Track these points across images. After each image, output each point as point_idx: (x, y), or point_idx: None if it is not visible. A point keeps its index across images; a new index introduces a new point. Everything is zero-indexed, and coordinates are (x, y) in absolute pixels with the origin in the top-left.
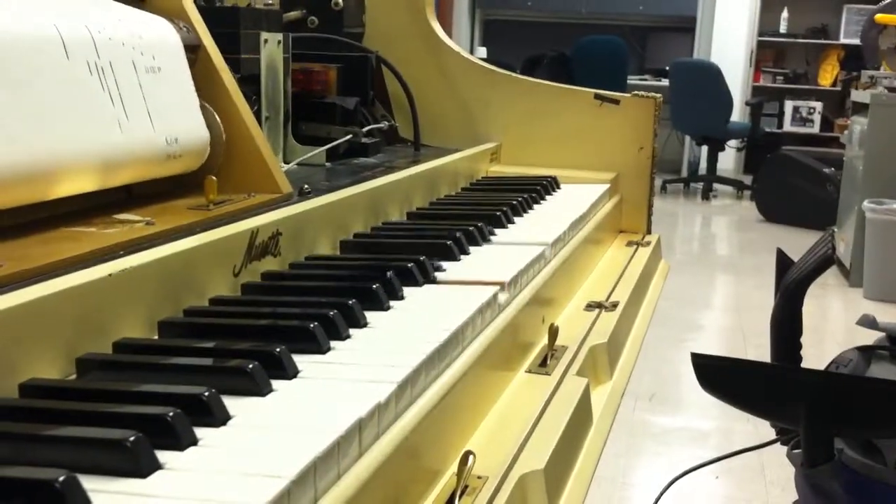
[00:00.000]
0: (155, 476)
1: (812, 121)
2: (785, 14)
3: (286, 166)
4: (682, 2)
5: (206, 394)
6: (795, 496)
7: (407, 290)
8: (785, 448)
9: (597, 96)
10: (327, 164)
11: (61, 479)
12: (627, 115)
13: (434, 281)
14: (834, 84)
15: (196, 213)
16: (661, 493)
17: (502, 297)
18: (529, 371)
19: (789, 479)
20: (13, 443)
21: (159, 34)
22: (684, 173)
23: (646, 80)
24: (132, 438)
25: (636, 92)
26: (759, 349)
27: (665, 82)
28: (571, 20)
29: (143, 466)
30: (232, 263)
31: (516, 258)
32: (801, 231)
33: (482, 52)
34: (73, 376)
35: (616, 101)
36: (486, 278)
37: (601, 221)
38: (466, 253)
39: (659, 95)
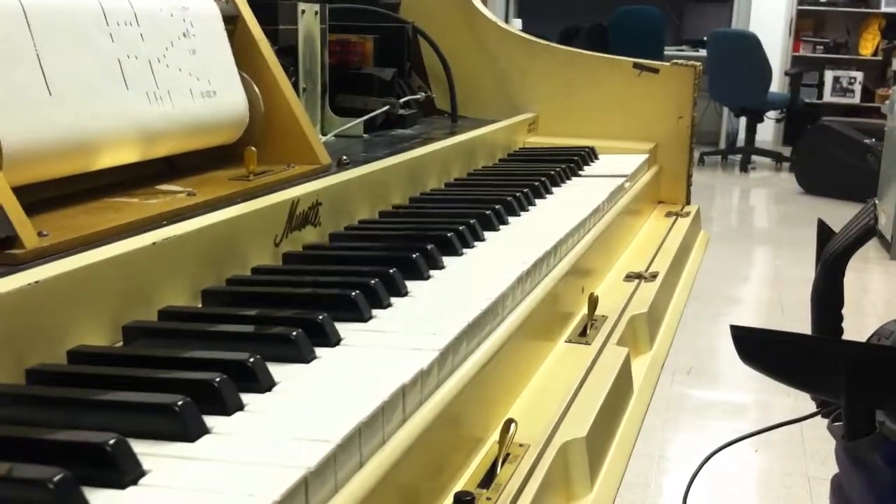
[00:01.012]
0: (203, 440)
1: (853, 91)
2: None
3: (324, 138)
4: None
5: (252, 360)
6: (836, 469)
7: (447, 260)
8: (825, 421)
9: (636, 65)
10: (365, 135)
11: (112, 441)
12: (666, 84)
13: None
14: (875, 53)
15: (237, 184)
16: (700, 467)
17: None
18: (570, 341)
19: (830, 452)
20: (63, 408)
21: (198, 5)
22: (722, 145)
23: (683, 50)
24: (180, 403)
25: (675, 61)
26: (797, 323)
27: (703, 53)
28: None
29: (191, 430)
30: (273, 233)
31: (555, 228)
32: (841, 203)
33: (518, 23)
34: (120, 343)
35: (655, 70)
36: (525, 249)
37: (640, 192)
38: (506, 223)
39: (699, 64)
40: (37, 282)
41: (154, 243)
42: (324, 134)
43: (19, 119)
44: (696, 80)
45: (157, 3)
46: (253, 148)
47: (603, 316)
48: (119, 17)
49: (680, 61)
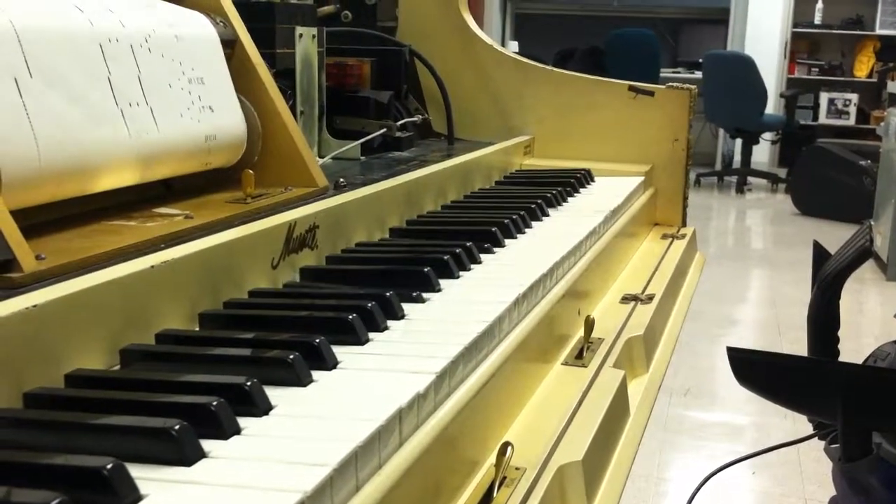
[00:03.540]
0: (200, 464)
1: (848, 113)
2: (819, 5)
3: (321, 160)
4: None
5: (249, 383)
6: (833, 491)
7: (444, 283)
8: (822, 443)
9: (631, 88)
10: (362, 157)
11: (109, 466)
12: (662, 106)
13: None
14: (870, 75)
15: (234, 207)
16: (698, 489)
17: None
18: (566, 363)
19: (827, 474)
20: (61, 432)
21: (197, 29)
22: (718, 167)
23: (679, 72)
24: (178, 427)
25: (671, 83)
26: (794, 344)
27: (698, 75)
28: (603, 13)
29: (188, 454)
30: (270, 256)
31: (552, 250)
32: (836, 224)
33: (514, 45)
34: (117, 367)
35: (651, 93)
36: (521, 272)
37: (636, 214)
38: (502, 246)
39: (694, 87)
40: (35, 305)
41: (152, 266)
42: (321, 156)
43: (17, 143)
44: (692, 103)
45: (155, 25)
46: (250, 171)
47: (599, 338)
48: (116, 40)
49: (675, 84)
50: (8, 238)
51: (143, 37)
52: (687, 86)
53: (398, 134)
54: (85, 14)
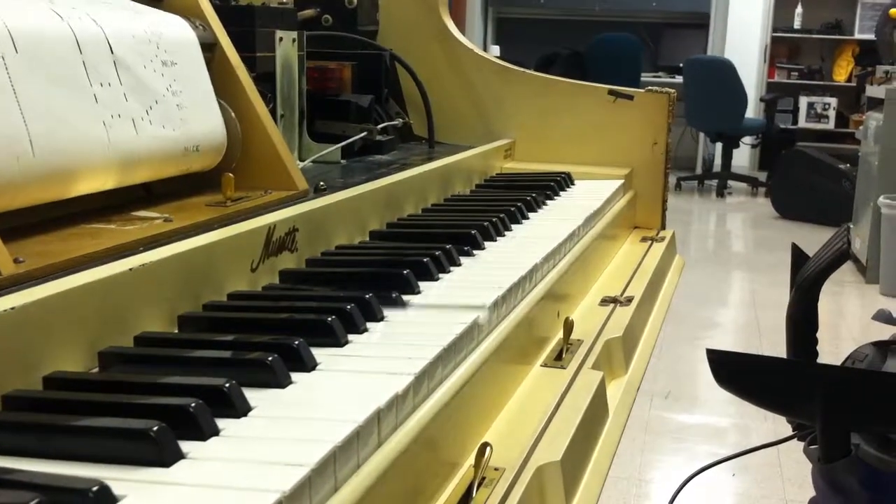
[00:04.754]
0: (178, 465)
1: (827, 117)
2: (799, 9)
3: (302, 164)
4: None
5: (228, 385)
6: (813, 492)
7: (423, 285)
8: (802, 444)
9: (611, 92)
10: (342, 161)
11: (95, 489)
12: (641, 110)
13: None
14: (849, 80)
15: (214, 210)
16: (678, 491)
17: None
18: (545, 365)
19: (806, 475)
20: (39, 434)
21: (176, 33)
22: (699, 170)
23: (660, 77)
24: (156, 428)
25: (650, 87)
26: (774, 346)
27: (679, 79)
28: (585, 18)
29: (166, 456)
30: (250, 259)
31: (531, 253)
32: (816, 228)
33: (495, 50)
34: (96, 369)
35: (630, 97)
36: (500, 274)
37: (615, 217)
38: (482, 248)
39: (673, 91)
40: (13, 308)
41: (131, 269)
42: (301, 160)
43: (6, 146)
44: (671, 107)
45: (134, 29)
46: (230, 174)
47: (578, 340)
48: (95, 45)
49: (654, 88)
50: None
51: (123, 40)
52: (666, 90)
53: (379, 137)
54: (64, 18)
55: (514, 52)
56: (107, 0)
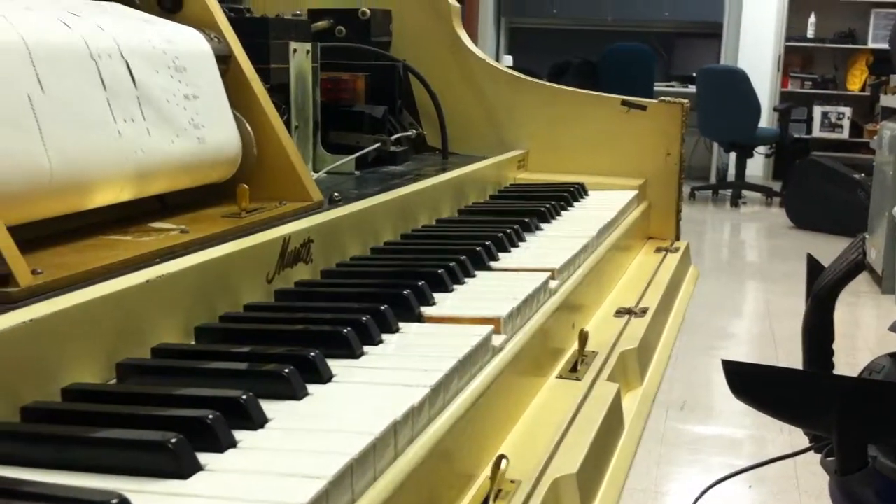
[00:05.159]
0: (196, 477)
1: (841, 126)
2: (812, 19)
3: (316, 175)
4: (707, 8)
5: (245, 397)
6: None
7: (438, 297)
8: (818, 456)
9: (624, 102)
10: (356, 172)
11: (114, 501)
12: (655, 120)
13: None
14: (863, 89)
15: (229, 221)
16: (695, 502)
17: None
18: (560, 377)
19: (823, 487)
20: (58, 445)
21: (191, 44)
22: (713, 180)
23: (673, 86)
24: (174, 440)
25: (663, 97)
26: (790, 356)
27: (692, 89)
28: (597, 27)
29: (184, 468)
30: (265, 270)
31: (545, 264)
32: (831, 238)
33: (508, 60)
34: (114, 381)
35: (643, 107)
36: (515, 285)
37: (629, 228)
38: (496, 259)
39: (686, 101)
40: (32, 320)
41: (147, 281)
42: (315, 171)
43: (12, 158)
44: (684, 117)
45: (149, 41)
46: (245, 186)
47: (593, 351)
48: (109, 56)
49: (668, 98)
50: (4, 253)
51: (138, 52)
52: (679, 100)
53: (392, 148)
54: (78, 30)
55: (527, 62)
56: (121, 12)
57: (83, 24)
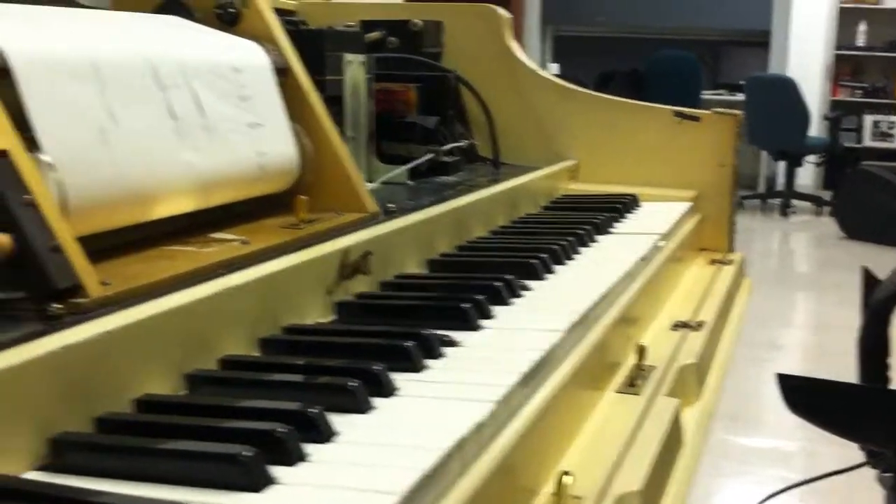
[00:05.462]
0: (269, 491)
1: (892, 136)
2: (862, 27)
3: (370, 185)
4: (755, 16)
5: (315, 411)
6: None
7: (496, 309)
8: (874, 472)
9: (677, 114)
10: (409, 182)
11: None
12: (707, 132)
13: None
14: None
15: (288, 232)
16: None
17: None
18: (618, 391)
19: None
20: (132, 456)
21: (251, 57)
22: (761, 189)
23: (721, 94)
24: (248, 453)
25: (717, 109)
26: (842, 369)
27: (739, 97)
28: (643, 35)
29: (257, 481)
30: (325, 282)
31: (603, 276)
32: (883, 249)
33: (554, 68)
34: (183, 392)
35: (696, 119)
36: (573, 298)
37: (684, 239)
38: (552, 272)
39: (740, 112)
40: (107, 331)
41: (215, 293)
42: (369, 181)
43: (84, 170)
44: (738, 129)
45: (210, 54)
46: (304, 197)
47: (651, 366)
48: (171, 69)
49: (721, 109)
50: (74, 263)
51: (200, 65)
52: (733, 111)
53: (445, 159)
54: (142, 44)
55: (572, 70)
56: (182, 25)
57: (146, 39)
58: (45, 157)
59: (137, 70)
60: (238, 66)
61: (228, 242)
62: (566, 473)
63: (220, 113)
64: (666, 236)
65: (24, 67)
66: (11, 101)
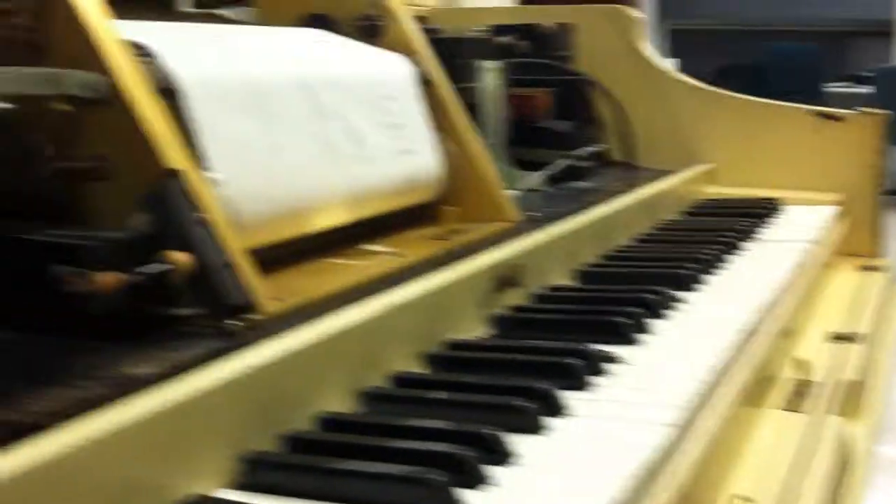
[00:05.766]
0: None
1: None
2: None
3: (511, 192)
4: (878, 6)
5: (494, 433)
6: None
7: (653, 323)
8: None
9: (818, 114)
10: (545, 188)
11: None
12: (850, 132)
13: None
14: None
15: (437, 244)
16: None
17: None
18: (780, 408)
19: None
20: (322, 476)
21: (394, 69)
22: (890, 185)
23: (849, 86)
24: (440, 478)
25: (861, 109)
26: None
27: (862, 89)
28: (761, 28)
29: None
30: (479, 294)
31: (759, 287)
32: None
33: (673, 63)
34: (360, 410)
35: (839, 118)
36: (730, 310)
37: (832, 245)
38: (704, 283)
39: (888, 112)
40: (291, 349)
41: (385, 308)
42: (506, 188)
43: (253, 184)
44: (883, 128)
45: (356, 68)
46: (450, 207)
47: (812, 381)
48: (318, 85)
49: (865, 109)
50: (248, 280)
51: (346, 80)
52: (880, 111)
53: (581, 164)
54: (289, 60)
55: (689, 64)
56: (328, 40)
57: (293, 55)
58: (214, 175)
59: (281, 84)
60: (381, 78)
61: (382, 255)
62: (748, 500)
63: (364, 125)
64: (816, 241)
65: (193, 89)
66: (174, 119)
